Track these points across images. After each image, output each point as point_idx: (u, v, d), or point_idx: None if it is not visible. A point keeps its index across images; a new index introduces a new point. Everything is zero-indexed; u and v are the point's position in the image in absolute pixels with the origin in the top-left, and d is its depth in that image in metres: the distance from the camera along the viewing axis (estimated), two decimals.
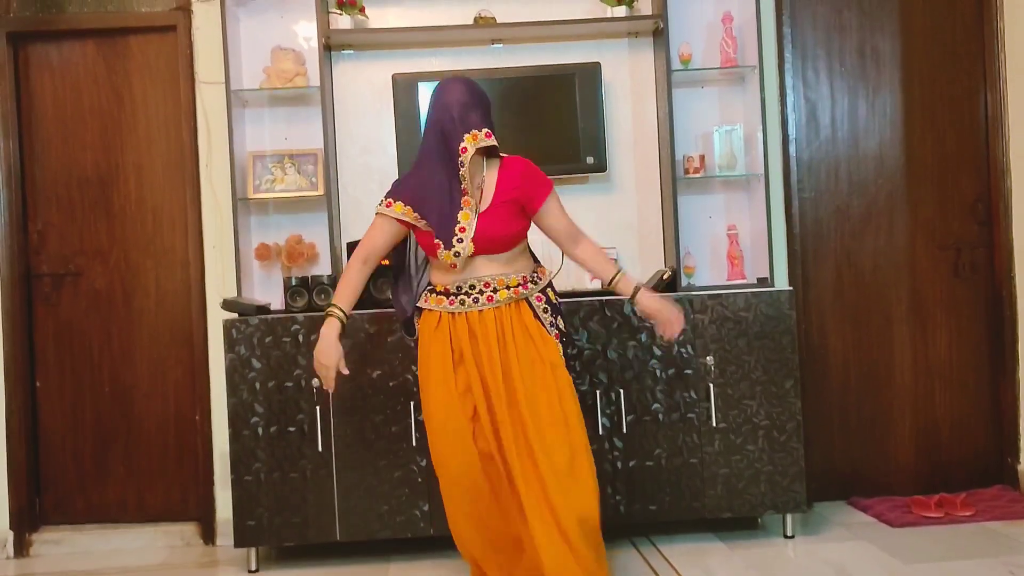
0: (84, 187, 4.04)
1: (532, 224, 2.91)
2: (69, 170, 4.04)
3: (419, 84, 3.82)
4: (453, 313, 2.84)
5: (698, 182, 3.94)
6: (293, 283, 3.59)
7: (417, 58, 3.98)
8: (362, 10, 3.87)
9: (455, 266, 2.78)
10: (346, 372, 2.89)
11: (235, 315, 3.52)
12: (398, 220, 2.84)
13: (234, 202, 3.73)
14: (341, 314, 2.86)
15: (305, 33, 3.94)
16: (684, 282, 3.85)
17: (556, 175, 3.89)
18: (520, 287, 2.84)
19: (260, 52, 3.90)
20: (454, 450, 2.83)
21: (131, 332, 4.04)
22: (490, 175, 2.84)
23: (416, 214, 2.81)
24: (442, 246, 2.75)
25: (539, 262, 3.04)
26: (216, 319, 3.81)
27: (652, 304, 2.90)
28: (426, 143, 2.83)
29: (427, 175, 2.80)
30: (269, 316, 3.51)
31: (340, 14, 3.81)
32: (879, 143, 4.15)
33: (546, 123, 3.87)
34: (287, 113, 3.95)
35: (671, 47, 3.81)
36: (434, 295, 2.89)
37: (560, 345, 2.86)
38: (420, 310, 2.94)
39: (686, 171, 3.87)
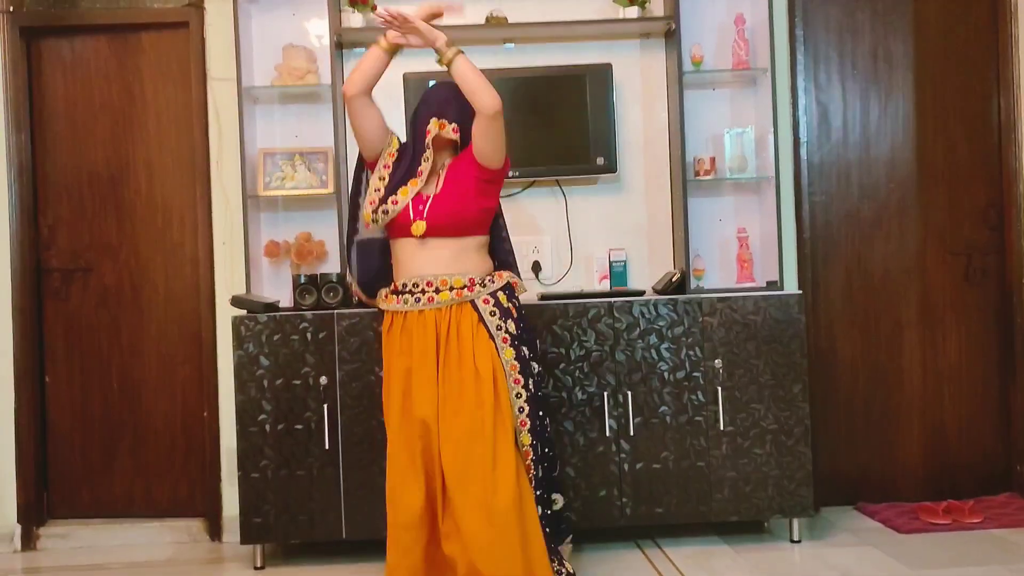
0: (94, 183, 4.05)
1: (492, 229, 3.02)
2: (80, 165, 4.05)
3: (430, 83, 3.80)
4: (397, 312, 2.91)
5: (708, 184, 3.93)
6: (302, 280, 3.59)
7: (428, 57, 3.92)
8: (374, 8, 3.87)
9: (368, 226, 2.93)
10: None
11: (244, 312, 3.53)
12: (386, 134, 3.03)
13: (244, 199, 3.73)
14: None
15: (317, 31, 3.95)
16: (693, 284, 3.84)
17: (566, 176, 3.93)
18: (465, 289, 2.85)
19: (272, 49, 3.91)
20: (404, 489, 2.90)
21: (140, 328, 4.05)
22: (445, 168, 2.97)
23: (392, 159, 2.99)
24: (374, 203, 2.90)
25: (504, 266, 3.04)
26: (225, 316, 3.81)
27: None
28: (408, 135, 3.04)
29: (402, 156, 2.99)
30: (278, 313, 3.52)
31: (352, 12, 3.82)
32: (891, 147, 4.13)
33: (557, 124, 3.86)
34: (298, 110, 3.95)
35: (683, 48, 3.80)
36: (390, 295, 2.96)
37: (513, 349, 2.86)
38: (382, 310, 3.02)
39: (696, 173, 3.86)
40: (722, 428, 3.52)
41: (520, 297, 3.03)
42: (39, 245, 4.04)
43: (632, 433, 3.51)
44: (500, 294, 2.91)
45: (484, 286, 2.88)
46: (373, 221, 2.90)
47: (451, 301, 2.84)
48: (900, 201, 4.13)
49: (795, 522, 3.61)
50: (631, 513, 3.51)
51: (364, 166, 3.09)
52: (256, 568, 3.53)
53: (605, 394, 3.51)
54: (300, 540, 3.52)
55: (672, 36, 3.83)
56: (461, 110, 2.94)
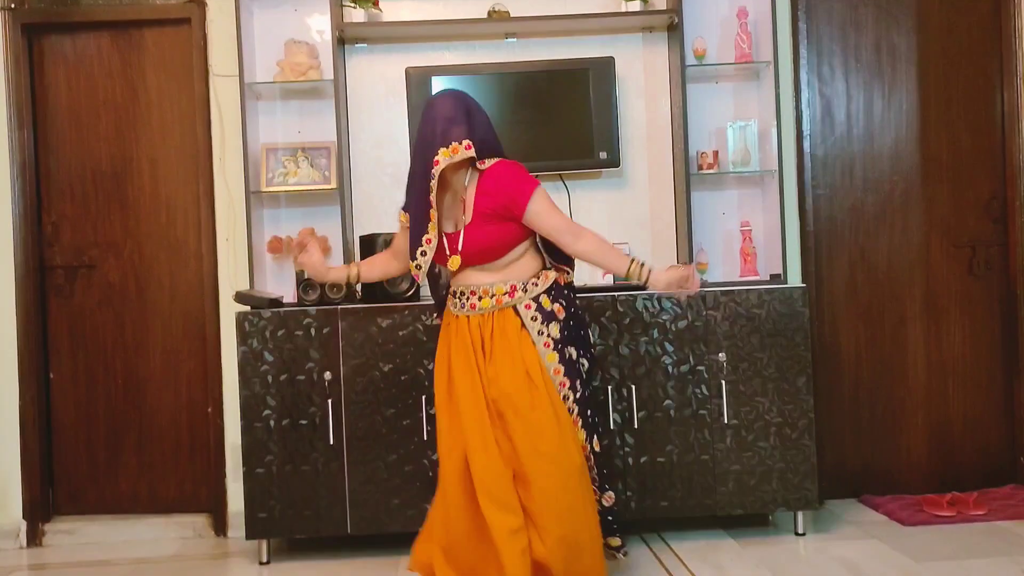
0: (98, 179, 4.06)
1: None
2: (83, 162, 4.05)
3: (432, 78, 3.82)
4: (455, 315, 2.90)
5: (711, 178, 3.93)
6: (305, 276, 3.59)
7: (430, 52, 3.98)
8: (376, 3, 3.87)
9: (417, 277, 2.86)
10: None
11: (247, 308, 3.53)
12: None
13: (247, 195, 3.73)
14: (355, 271, 3.05)
15: (319, 26, 3.94)
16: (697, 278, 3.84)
17: (569, 170, 3.92)
18: (506, 295, 2.82)
19: (274, 45, 3.90)
20: (448, 448, 2.86)
21: (144, 324, 4.05)
22: (471, 187, 2.79)
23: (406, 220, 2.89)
24: (410, 257, 2.83)
25: (552, 264, 2.95)
26: (229, 312, 3.82)
27: (663, 282, 2.85)
28: (413, 155, 2.85)
29: (412, 186, 2.81)
30: (281, 309, 3.52)
31: (354, 7, 3.81)
32: (894, 140, 4.12)
33: (559, 118, 3.86)
34: (300, 106, 3.95)
35: (685, 42, 3.80)
36: (450, 295, 2.95)
37: (556, 353, 2.82)
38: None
39: (699, 167, 3.86)
40: (726, 421, 3.52)
41: (573, 286, 3.01)
42: (42, 242, 4.05)
43: (636, 427, 3.51)
44: (543, 297, 2.85)
45: (526, 291, 2.84)
46: (417, 270, 2.82)
47: (492, 308, 2.82)
48: (904, 194, 4.13)
49: (799, 515, 3.61)
50: (635, 507, 3.51)
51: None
52: (261, 563, 3.54)
53: (609, 388, 3.51)
54: (305, 535, 3.53)
55: (675, 29, 3.83)
56: (471, 122, 2.74)
